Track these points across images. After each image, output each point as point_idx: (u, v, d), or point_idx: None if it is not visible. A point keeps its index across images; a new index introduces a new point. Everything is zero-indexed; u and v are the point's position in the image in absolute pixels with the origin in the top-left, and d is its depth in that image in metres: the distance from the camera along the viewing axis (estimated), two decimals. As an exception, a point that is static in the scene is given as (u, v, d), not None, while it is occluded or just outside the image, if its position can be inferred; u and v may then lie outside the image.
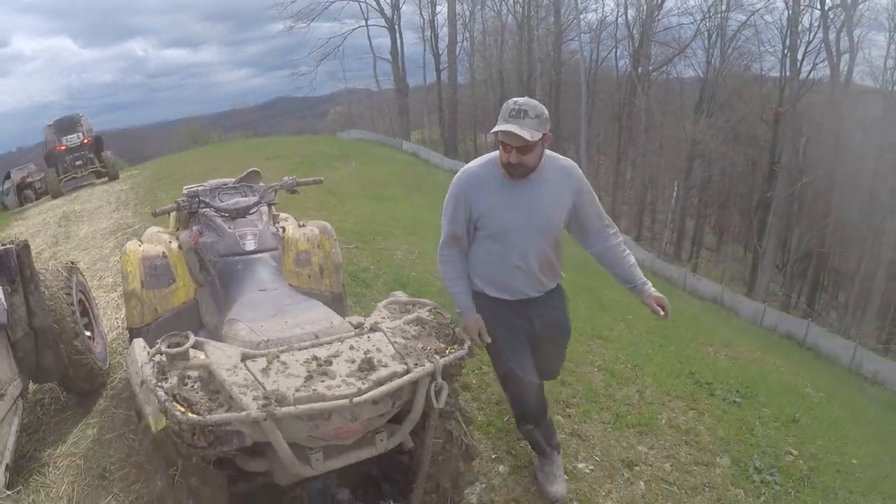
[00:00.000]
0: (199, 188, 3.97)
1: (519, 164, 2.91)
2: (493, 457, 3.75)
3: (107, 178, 16.61)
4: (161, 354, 2.42)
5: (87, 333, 4.60)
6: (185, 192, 3.96)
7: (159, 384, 2.25)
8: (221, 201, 3.77)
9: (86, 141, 16.81)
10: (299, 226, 4.04)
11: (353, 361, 2.40)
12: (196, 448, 2.23)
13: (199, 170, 14.40)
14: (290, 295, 3.28)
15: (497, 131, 2.85)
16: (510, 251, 3.13)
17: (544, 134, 2.87)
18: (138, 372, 2.47)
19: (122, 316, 6.00)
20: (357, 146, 32.77)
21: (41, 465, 4.16)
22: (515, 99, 2.89)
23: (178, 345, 2.44)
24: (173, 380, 2.29)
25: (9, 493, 2.87)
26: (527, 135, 2.77)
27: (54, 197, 15.88)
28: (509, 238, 3.11)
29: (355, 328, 2.72)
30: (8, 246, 4.00)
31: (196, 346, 2.47)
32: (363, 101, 56.11)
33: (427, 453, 2.62)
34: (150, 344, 2.65)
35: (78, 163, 16.73)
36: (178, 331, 2.56)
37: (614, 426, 4.26)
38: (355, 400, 2.19)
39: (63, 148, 16.56)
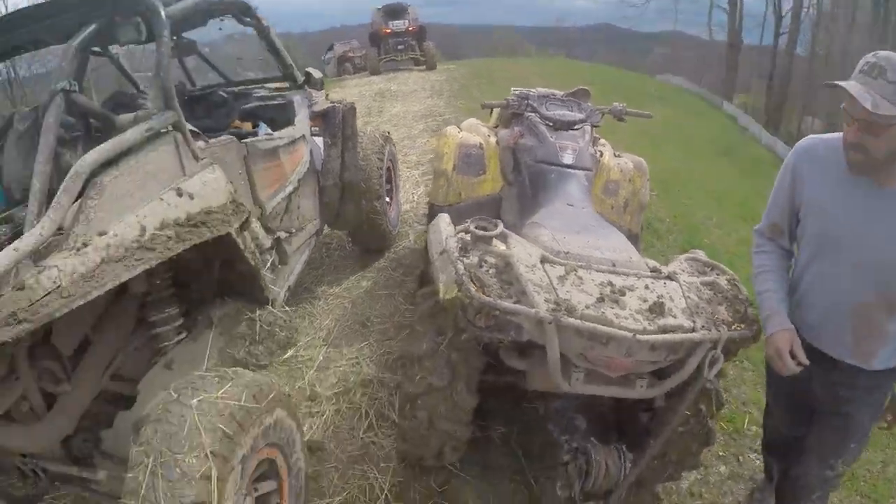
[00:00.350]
0: (530, 92, 4.11)
1: (859, 147, 2.08)
2: (720, 454, 3.61)
3: (424, 67, 17.57)
4: (467, 233, 2.63)
5: (387, 199, 5.12)
6: (515, 92, 4.12)
7: (461, 258, 2.46)
8: (547, 110, 3.86)
9: (410, 28, 17.89)
10: (615, 155, 4.03)
11: (645, 301, 2.40)
12: (474, 326, 2.41)
13: (514, 77, 14.75)
14: (595, 217, 3.32)
15: (836, 86, 2.09)
16: (828, 277, 2.33)
17: None
18: (440, 242, 2.71)
19: (419, 192, 6.56)
20: (675, 93, 31.32)
21: (314, 297, 4.80)
22: (877, 52, 2.07)
23: (485, 229, 2.63)
24: (474, 259, 2.49)
25: (286, 308, 3.32)
26: (869, 103, 1.94)
27: (372, 74, 17.29)
28: (836, 256, 2.29)
29: (651, 271, 2.71)
30: (336, 104, 4.55)
31: (500, 236, 2.63)
32: (689, 48, 52.65)
33: (675, 419, 2.57)
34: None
35: (399, 47, 17.91)
36: (484, 217, 2.77)
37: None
38: (638, 336, 2.20)
39: (388, 31, 17.81)
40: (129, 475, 2.02)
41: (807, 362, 2.28)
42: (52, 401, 2.55)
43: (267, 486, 2.53)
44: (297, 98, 4.16)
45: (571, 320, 2.21)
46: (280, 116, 3.98)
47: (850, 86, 2.00)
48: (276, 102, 4.10)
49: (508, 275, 2.45)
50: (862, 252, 2.18)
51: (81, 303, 2.02)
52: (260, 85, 4.69)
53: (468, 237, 2.61)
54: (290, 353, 3.68)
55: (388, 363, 3.94)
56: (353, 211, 4.71)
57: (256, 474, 2.36)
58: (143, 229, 2.32)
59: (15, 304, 1.86)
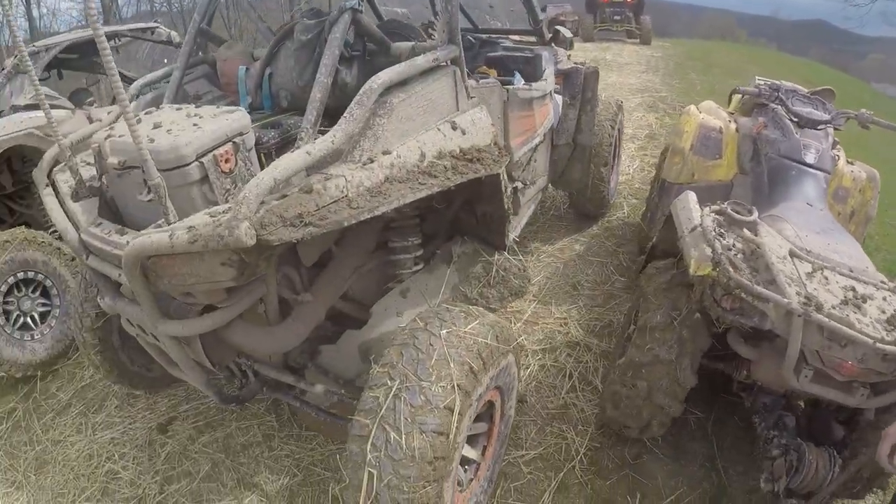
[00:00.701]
0: (781, 84, 3.96)
1: None
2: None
3: (638, 41, 17.07)
4: (721, 214, 2.62)
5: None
6: (761, 83, 3.98)
7: (717, 238, 2.46)
8: (793, 106, 3.73)
9: (629, 0, 17.40)
10: (847, 162, 3.85)
11: (884, 312, 2.37)
12: (719, 306, 2.44)
13: (730, 64, 14.08)
14: (832, 221, 3.23)
15: None
16: None
17: None
18: (691, 218, 2.72)
19: (635, 165, 6.48)
20: (891, 107, 28.63)
21: (527, 251, 4.88)
22: None
23: (738, 213, 2.63)
24: (728, 240, 2.49)
25: (520, 257, 3.37)
26: None
27: (585, 41, 16.94)
28: None
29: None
30: (579, 66, 4.54)
31: (752, 223, 2.63)
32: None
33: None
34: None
35: (616, 17, 17.40)
36: (739, 201, 2.75)
37: None
38: (878, 344, 2.17)
39: (607, 0, 17.39)
40: (369, 394, 2.12)
41: None
42: (284, 309, 2.63)
43: (479, 428, 2.64)
44: (545, 54, 4.20)
45: (819, 317, 2.22)
46: (526, 69, 4.02)
47: None
48: (523, 55, 4.18)
49: (756, 262, 2.45)
50: None
51: (368, 216, 2.10)
52: (504, 36, 4.77)
53: (721, 218, 2.61)
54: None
55: (596, 329, 3.98)
56: (580, 173, 4.75)
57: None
58: (423, 155, 2.40)
59: (301, 207, 1.92)
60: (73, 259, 4.38)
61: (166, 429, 3.67)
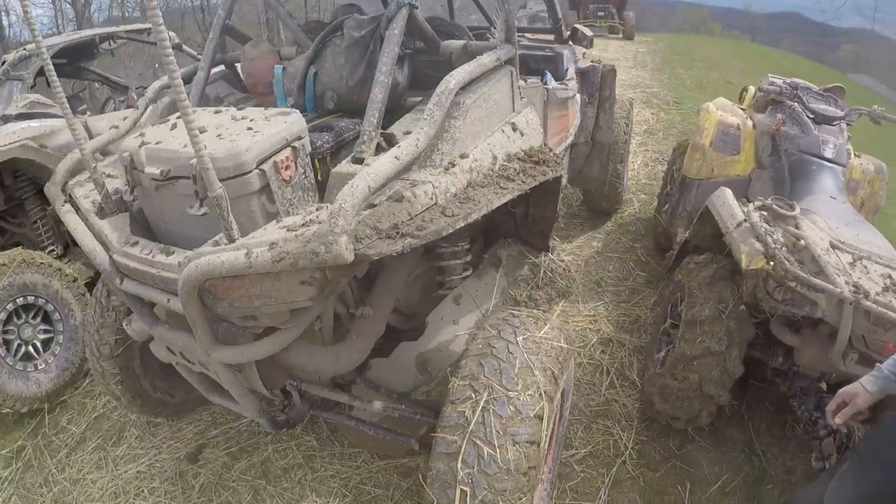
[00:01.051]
0: (797, 82, 4.07)
1: None
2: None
3: (621, 36, 17.19)
4: (766, 210, 2.75)
5: (620, 164, 5.16)
6: (775, 80, 4.10)
7: (769, 232, 2.57)
8: (809, 103, 3.85)
9: None
10: (855, 155, 3.99)
11: None
12: (771, 298, 2.56)
13: (713, 58, 14.26)
14: (855, 213, 3.37)
15: None
16: None
17: None
18: (734, 214, 2.86)
19: (638, 161, 6.57)
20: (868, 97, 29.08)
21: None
22: None
23: (782, 208, 2.79)
24: (777, 234, 2.60)
25: (563, 258, 3.32)
26: None
27: (568, 35, 17.07)
28: None
29: None
30: (597, 64, 4.62)
31: (793, 218, 2.80)
32: (882, 50, 48.76)
33: None
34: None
35: (600, 13, 17.46)
36: (781, 197, 2.87)
37: None
38: None
39: None
40: (453, 409, 2.02)
41: (835, 424, 2.03)
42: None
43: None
44: (566, 53, 4.21)
45: (868, 303, 2.37)
46: (548, 68, 4.02)
47: None
48: (544, 54, 4.15)
49: (801, 254, 2.57)
50: None
51: (463, 224, 1.98)
52: (521, 34, 4.79)
53: (766, 213, 2.74)
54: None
55: (625, 325, 4.06)
56: (598, 170, 4.80)
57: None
58: (495, 158, 2.34)
59: (395, 216, 1.79)
60: (76, 280, 4.13)
61: (197, 458, 3.44)
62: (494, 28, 4.49)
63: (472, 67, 2.33)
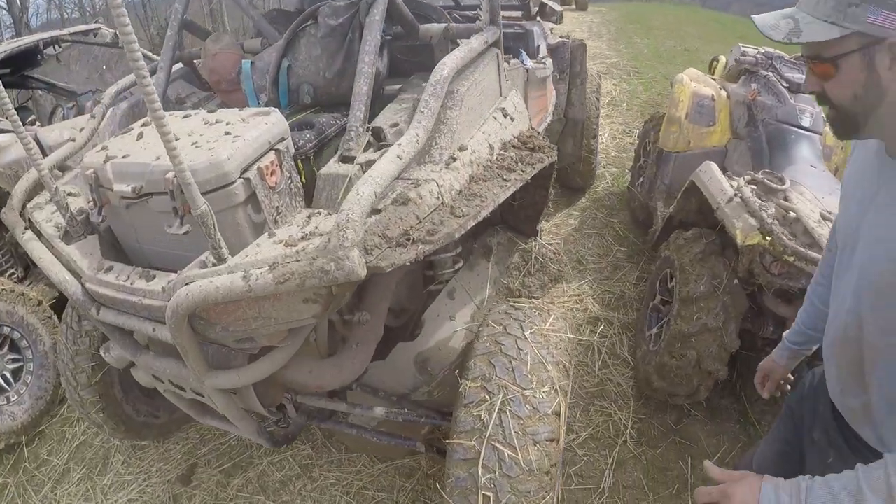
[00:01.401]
0: (771, 51, 4.07)
1: (823, 99, 1.28)
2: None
3: (574, 7, 17.15)
4: (757, 184, 2.73)
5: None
6: (747, 50, 4.08)
7: (763, 207, 2.56)
8: (782, 72, 3.86)
9: None
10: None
11: None
12: (768, 272, 2.55)
13: (668, 25, 14.33)
14: (835, 181, 3.35)
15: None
16: (831, 307, 1.50)
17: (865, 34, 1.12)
18: (723, 189, 2.84)
19: (605, 134, 6.56)
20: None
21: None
22: None
23: (772, 182, 2.77)
24: (770, 209, 2.59)
25: (552, 242, 3.30)
26: (781, 33, 1.22)
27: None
28: (836, 279, 1.49)
29: None
30: (566, 40, 4.55)
31: (784, 190, 2.77)
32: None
33: None
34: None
35: (551, -16, 17.50)
36: (769, 171, 2.86)
37: None
38: None
39: None
40: (468, 413, 1.93)
41: (764, 396, 1.95)
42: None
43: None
44: (535, 29, 4.05)
45: None
46: (517, 46, 3.81)
47: (760, 18, 1.27)
48: (514, 31, 3.98)
49: (793, 227, 2.55)
50: (855, 254, 1.34)
51: (473, 224, 1.87)
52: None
53: (756, 188, 2.73)
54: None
55: (611, 303, 4.06)
56: (572, 147, 4.76)
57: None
58: (492, 148, 2.22)
59: (403, 222, 1.67)
60: (40, 303, 3.87)
61: (189, 479, 3.30)
62: (461, 8, 4.37)
63: (462, 53, 2.20)
